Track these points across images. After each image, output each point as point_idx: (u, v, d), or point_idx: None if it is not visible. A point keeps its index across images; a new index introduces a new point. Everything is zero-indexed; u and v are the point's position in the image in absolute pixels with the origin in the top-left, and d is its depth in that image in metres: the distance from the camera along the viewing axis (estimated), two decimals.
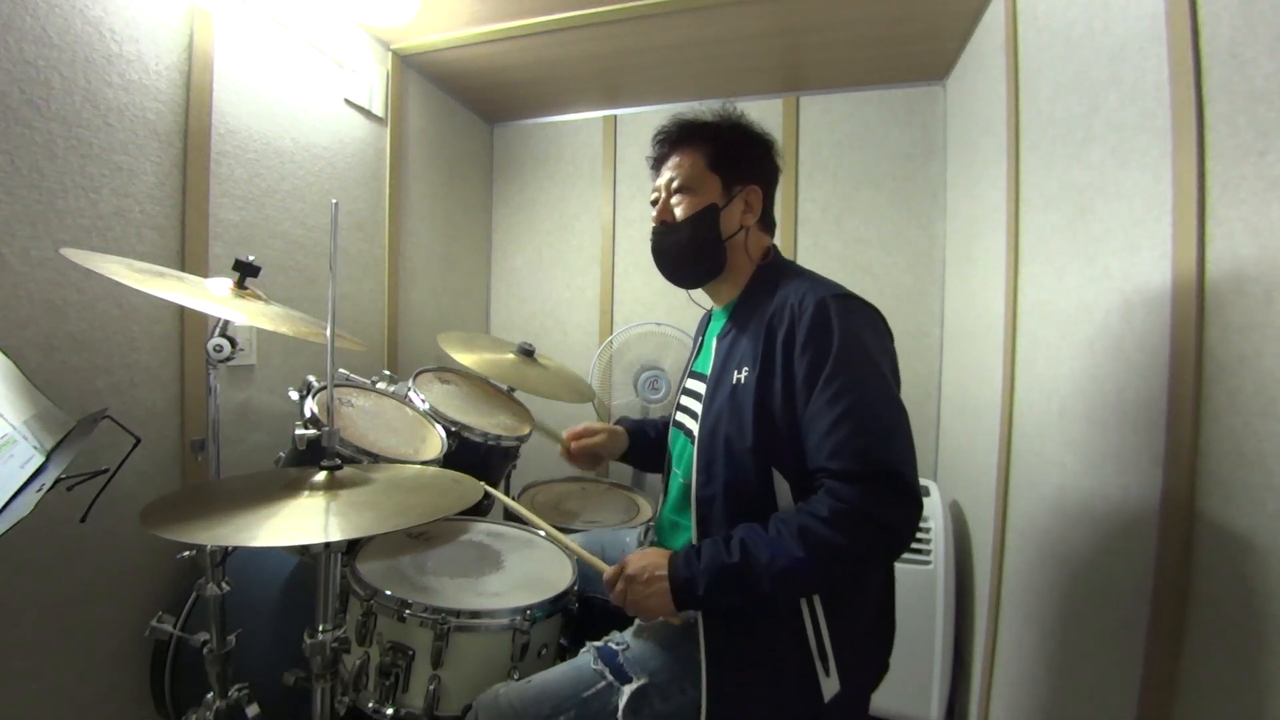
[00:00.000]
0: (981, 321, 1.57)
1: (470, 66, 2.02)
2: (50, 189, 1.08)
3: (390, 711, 0.92)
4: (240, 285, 0.99)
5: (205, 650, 0.99)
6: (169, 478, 1.29)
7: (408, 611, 0.93)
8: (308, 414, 1.12)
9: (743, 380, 0.89)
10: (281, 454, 1.18)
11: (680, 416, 1.05)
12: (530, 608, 0.96)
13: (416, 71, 2.06)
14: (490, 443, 1.36)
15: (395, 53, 1.93)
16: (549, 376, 1.63)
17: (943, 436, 1.97)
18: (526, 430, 1.51)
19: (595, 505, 1.68)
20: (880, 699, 0.94)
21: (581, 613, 1.09)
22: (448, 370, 1.60)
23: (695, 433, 0.94)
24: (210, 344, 0.96)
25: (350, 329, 1.77)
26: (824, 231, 2.13)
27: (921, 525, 1.46)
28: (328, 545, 0.85)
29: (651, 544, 1.12)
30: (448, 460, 1.25)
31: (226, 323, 0.97)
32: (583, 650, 0.93)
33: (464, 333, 1.72)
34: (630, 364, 2.24)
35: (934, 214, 2.01)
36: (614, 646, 0.91)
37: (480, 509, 1.38)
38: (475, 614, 0.94)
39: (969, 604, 1.55)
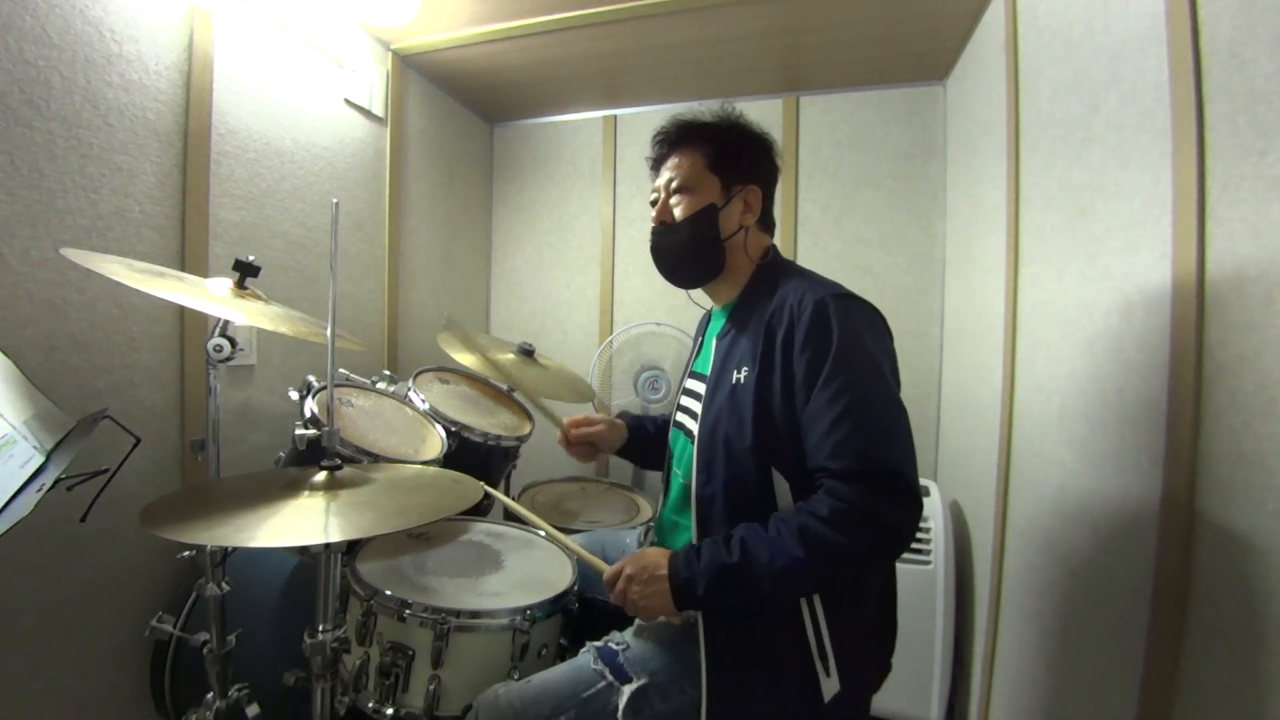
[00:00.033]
0: (981, 321, 1.57)
1: (470, 66, 2.02)
2: (50, 189, 1.08)
3: (390, 711, 0.92)
4: (240, 285, 0.99)
5: (205, 650, 0.99)
6: (169, 478, 1.29)
7: (408, 611, 0.93)
8: (308, 414, 1.12)
9: (742, 380, 0.89)
10: (281, 454, 1.18)
11: (680, 416, 1.05)
12: (530, 608, 0.96)
13: (416, 71, 2.06)
14: (490, 443, 1.36)
15: (395, 53, 1.93)
16: (549, 376, 1.63)
17: (943, 436, 1.97)
18: (527, 430, 1.51)
19: (595, 505, 1.68)
20: (880, 699, 0.94)
21: (581, 613, 1.09)
22: (448, 370, 1.61)
23: (695, 432, 0.94)
24: (210, 344, 0.96)
25: (350, 329, 1.77)
26: (824, 231, 2.13)
27: (921, 525, 1.46)
28: (328, 545, 0.85)
29: (651, 544, 1.12)
30: (448, 460, 1.25)
31: (226, 323, 0.97)
32: (583, 650, 0.93)
33: (464, 333, 1.72)
34: (630, 364, 2.24)
35: (934, 214, 2.01)
36: (614, 646, 0.91)
37: (480, 509, 1.38)
38: (475, 614, 0.94)
39: (969, 604, 1.55)
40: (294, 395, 1.19)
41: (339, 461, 0.90)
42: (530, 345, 1.64)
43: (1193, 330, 0.77)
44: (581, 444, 1.23)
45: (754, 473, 0.86)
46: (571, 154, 2.44)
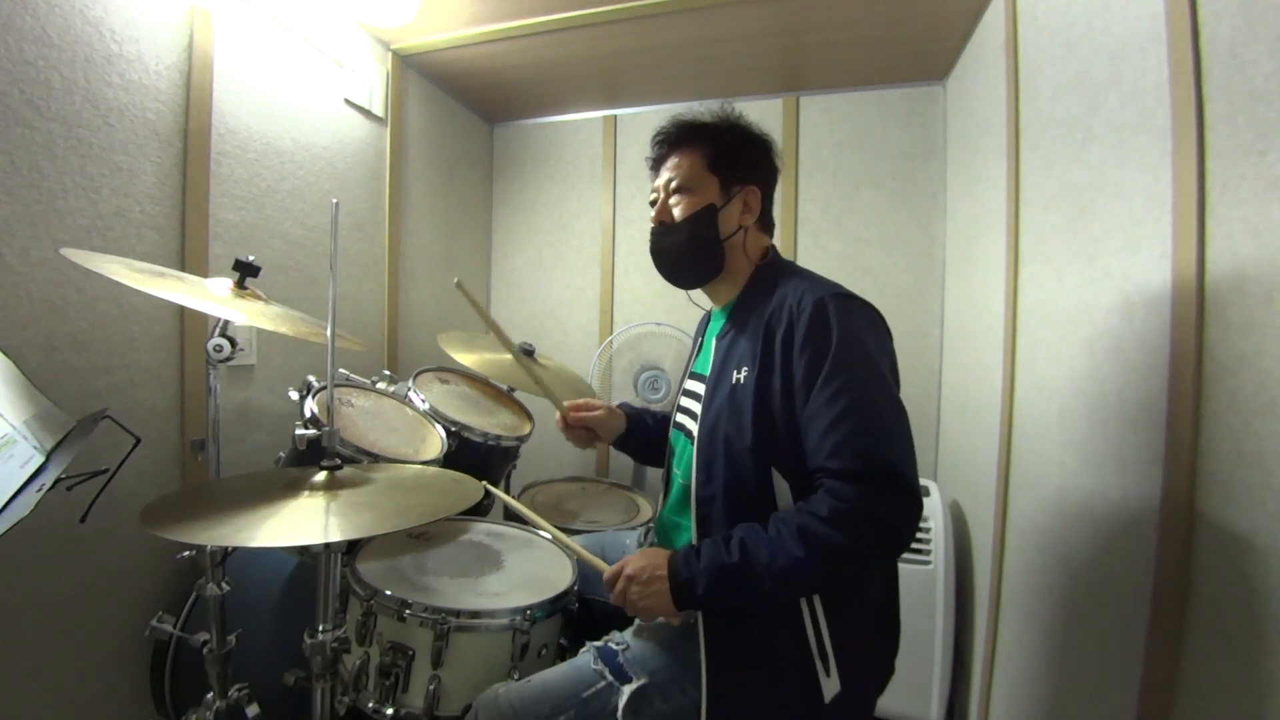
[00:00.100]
0: (981, 321, 1.57)
1: (470, 66, 2.02)
2: (50, 189, 1.08)
3: (390, 711, 0.92)
4: (240, 285, 0.99)
5: (205, 650, 0.99)
6: (169, 478, 1.29)
7: (408, 611, 0.93)
8: (308, 414, 1.12)
9: (742, 380, 0.89)
10: (281, 454, 1.18)
11: (680, 417, 1.05)
12: (530, 608, 0.96)
13: (416, 71, 2.06)
14: (490, 443, 1.36)
15: (395, 53, 1.93)
16: (549, 376, 1.63)
17: (943, 436, 1.97)
18: (527, 430, 1.51)
19: (595, 505, 1.68)
20: (880, 699, 0.94)
21: (581, 613, 1.09)
22: (448, 370, 1.61)
23: (695, 433, 0.94)
24: (210, 344, 0.96)
25: (350, 329, 1.77)
26: (824, 231, 2.13)
27: (921, 525, 1.46)
28: (328, 545, 0.85)
29: (651, 545, 1.12)
30: (448, 460, 1.25)
31: (226, 323, 0.97)
32: (583, 650, 0.93)
33: (464, 333, 1.72)
34: (630, 364, 2.24)
35: (934, 214, 2.01)
36: (614, 646, 0.91)
37: (480, 509, 1.38)
38: (475, 614, 0.94)
39: (969, 604, 1.55)
40: (294, 395, 1.19)
41: (339, 461, 0.90)
42: (530, 345, 1.64)
43: (1193, 330, 0.77)
44: (579, 428, 1.21)
45: (754, 473, 0.86)
46: (571, 154, 2.44)
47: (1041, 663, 1.15)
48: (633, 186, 2.36)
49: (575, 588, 1.06)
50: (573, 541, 1.02)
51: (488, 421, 1.44)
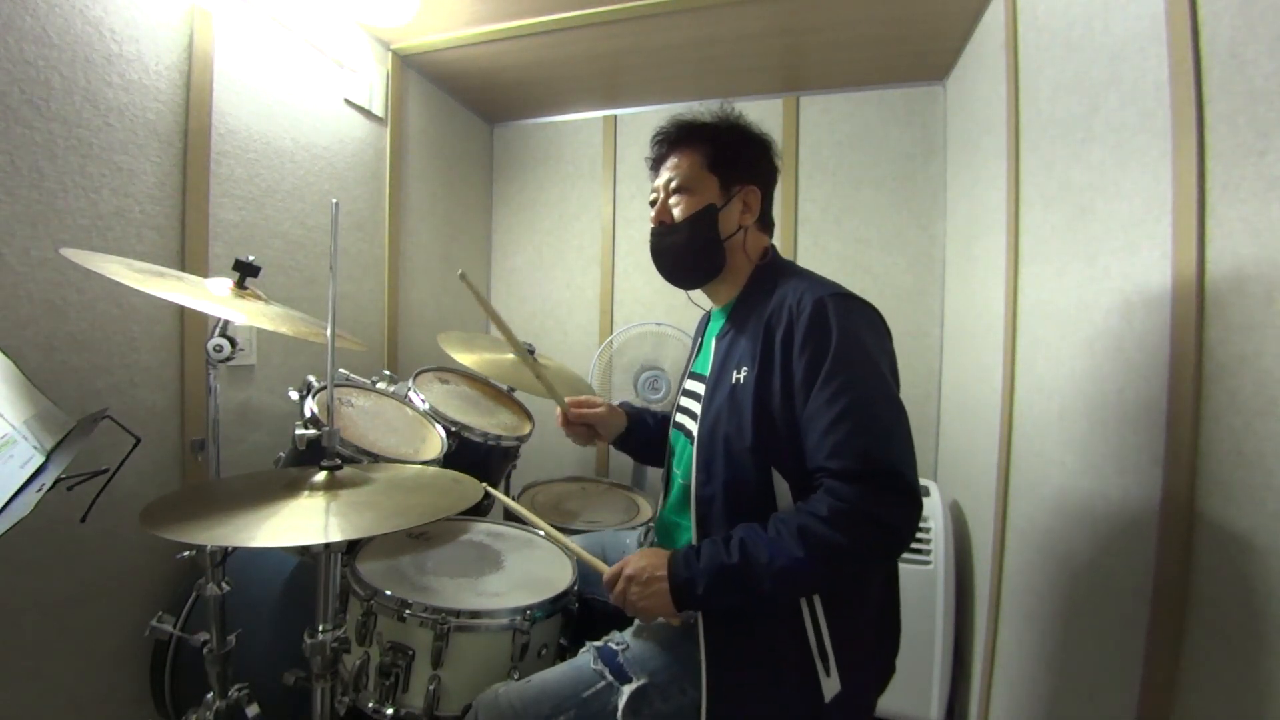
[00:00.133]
0: (981, 321, 1.57)
1: (470, 66, 2.02)
2: (50, 189, 1.08)
3: (390, 711, 0.92)
4: (240, 285, 0.99)
5: (205, 650, 0.99)
6: (169, 478, 1.29)
7: (408, 611, 0.93)
8: (308, 414, 1.12)
9: (742, 380, 0.89)
10: (281, 454, 1.18)
11: (680, 417, 1.05)
12: (530, 608, 0.97)
13: (416, 71, 2.06)
14: (490, 443, 1.36)
15: (395, 53, 1.93)
16: (549, 376, 1.63)
17: (943, 436, 1.97)
18: (527, 430, 1.51)
19: (595, 505, 1.68)
20: (880, 699, 0.94)
21: (581, 613, 1.09)
22: (448, 370, 1.61)
23: (695, 433, 0.94)
24: (210, 344, 0.96)
25: (350, 329, 1.77)
26: (824, 231, 2.13)
27: (921, 525, 1.46)
28: (328, 545, 0.85)
29: (651, 545, 1.12)
30: (448, 460, 1.25)
31: (226, 323, 0.97)
32: (582, 650, 0.93)
33: (464, 333, 1.72)
34: (630, 364, 2.24)
35: (934, 214, 2.01)
36: (614, 646, 0.91)
37: (480, 509, 1.38)
38: (475, 614, 0.94)
39: (969, 604, 1.55)
40: (294, 395, 1.19)
41: (339, 461, 0.90)
42: (530, 345, 1.64)
43: (1193, 330, 0.77)
44: (580, 425, 1.21)
45: (754, 473, 0.86)
46: (571, 154, 2.44)
47: (1041, 663, 1.15)
48: (633, 186, 2.36)
49: (575, 588, 1.06)
50: (572, 542, 1.02)
51: (488, 421, 1.44)
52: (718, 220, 0.97)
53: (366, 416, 1.26)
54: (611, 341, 2.28)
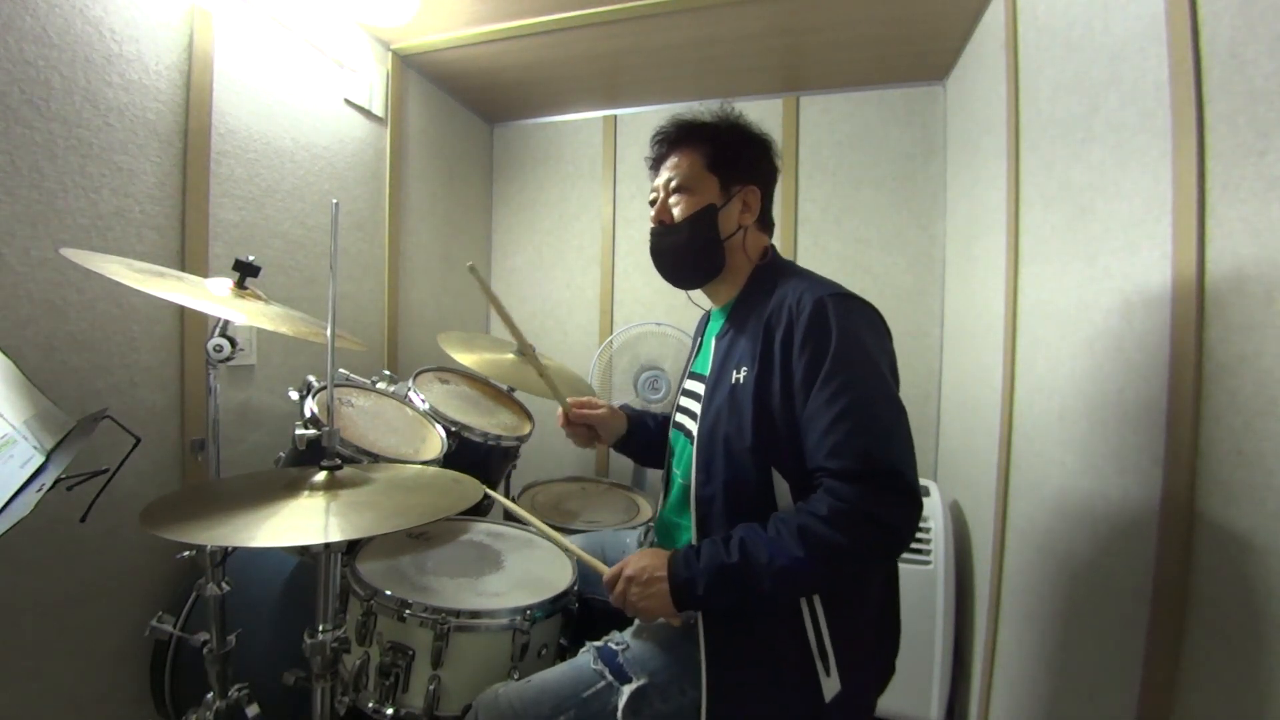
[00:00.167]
0: (981, 321, 1.57)
1: (470, 66, 2.02)
2: (50, 189, 1.08)
3: (390, 711, 0.92)
4: (240, 285, 0.99)
5: (205, 650, 0.99)
6: (169, 478, 1.29)
7: (408, 611, 0.93)
8: (308, 414, 1.12)
9: (741, 380, 0.89)
10: (281, 454, 1.18)
11: (680, 417, 1.05)
12: (530, 608, 0.96)
13: (416, 71, 2.06)
14: (490, 443, 1.36)
15: (395, 53, 1.93)
16: (550, 374, 1.63)
17: (943, 436, 1.97)
18: (527, 430, 1.51)
19: (595, 505, 1.68)
20: (880, 699, 0.94)
21: (581, 613, 1.09)
22: (448, 370, 1.60)
23: (694, 433, 0.94)
24: (210, 344, 0.96)
25: (350, 329, 1.77)
26: (824, 231, 2.13)
27: (921, 525, 1.46)
28: (328, 545, 0.85)
29: (651, 545, 1.12)
30: (448, 460, 1.25)
31: (226, 323, 0.97)
32: (582, 650, 0.93)
33: (464, 333, 1.72)
34: (630, 364, 2.24)
35: (934, 214, 2.01)
36: (614, 646, 0.91)
37: (480, 509, 1.38)
38: (475, 614, 0.94)
39: (969, 604, 1.55)
40: (294, 395, 1.19)
41: (339, 461, 0.90)
42: (531, 346, 1.64)
43: (1193, 330, 0.77)
44: (581, 426, 1.21)
45: (753, 473, 0.86)
46: (571, 154, 2.44)
47: (1041, 663, 1.15)
48: (633, 186, 2.36)
49: (575, 588, 1.06)
50: (572, 543, 1.02)
51: (488, 421, 1.44)
52: (718, 220, 0.97)
53: (366, 416, 1.26)
54: (611, 341, 2.28)
